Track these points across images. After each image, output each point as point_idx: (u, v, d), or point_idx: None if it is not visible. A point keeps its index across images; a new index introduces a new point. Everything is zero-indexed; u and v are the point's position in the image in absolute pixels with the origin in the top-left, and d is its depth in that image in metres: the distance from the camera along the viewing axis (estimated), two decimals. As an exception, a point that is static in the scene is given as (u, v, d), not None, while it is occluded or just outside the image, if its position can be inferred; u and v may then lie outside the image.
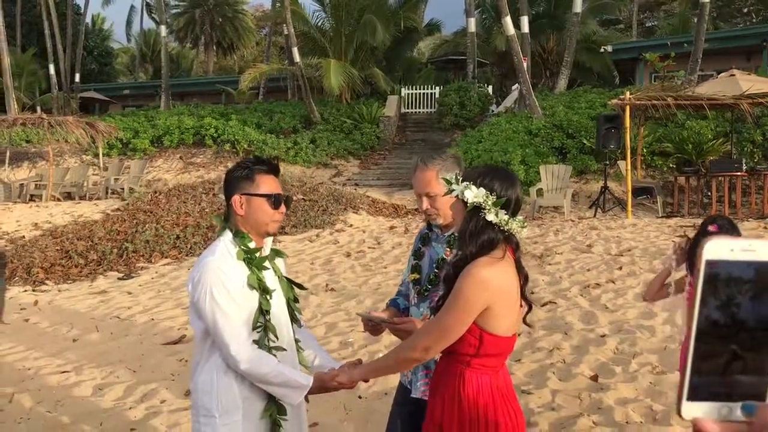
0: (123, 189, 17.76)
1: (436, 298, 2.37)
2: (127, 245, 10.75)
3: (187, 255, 10.47)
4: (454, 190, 2.13)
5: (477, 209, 2.08)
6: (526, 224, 2.15)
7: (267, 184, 2.40)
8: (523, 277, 2.15)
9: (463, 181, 2.12)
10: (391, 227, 11.98)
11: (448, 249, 2.64)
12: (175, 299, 7.89)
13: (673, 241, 3.73)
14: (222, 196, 2.71)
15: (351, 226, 12.03)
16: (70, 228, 12.09)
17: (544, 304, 6.87)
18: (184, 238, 11.09)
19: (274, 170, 2.46)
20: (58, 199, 17.58)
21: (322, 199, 13.31)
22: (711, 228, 3.33)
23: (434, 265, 2.67)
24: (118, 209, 13.76)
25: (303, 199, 13.23)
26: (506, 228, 2.08)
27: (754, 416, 0.60)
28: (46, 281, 9.46)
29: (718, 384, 0.61)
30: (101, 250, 10.62)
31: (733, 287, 0.59)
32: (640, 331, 5.88)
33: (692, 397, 0.61)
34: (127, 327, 6.83)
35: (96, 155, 20.88)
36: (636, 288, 7.33)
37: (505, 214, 2.08)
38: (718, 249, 0.58)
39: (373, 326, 2.69)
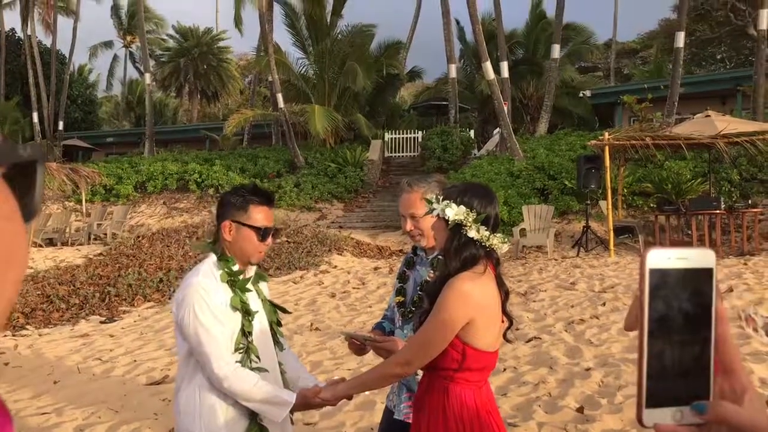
0: (106, 234, 17.66)
1: (420, 314, 2.40)
2: (110, 289, 10.66)
3: (170, 298, 10.39)
4: (435, 209, 2.18)
5: (458, 226, 2.13)
6: (506, 240, 2.20)
7: (259, 215, 2.43)
8: (504, 293, 2.19)
9: (443, 199, 2.17)
10: (376, 268, 11.99)
11: (432, 271, 2.69)
12: (158, 341, 7.82)
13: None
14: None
15: (335, 267, 12.02)
16: (52, 273, 11.97)
17: (529, 340, 6.89)
18: (168, 282, 11.03)
19: (269, 202, 2.50)
20: (40, 246, 17.43)
21: (306, 241, 13.32)
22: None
23: (418, 288, 2.72)
24: (100, 254, 13.68)
25: (287, 241, 13.23)
26: (487, 244, 2.13)
27: (706, 414, 0.63)
28: (27, 326, 9.32)
29: (670, 388, 0.64)
30: (83, 295, 10.51)
31: (672, 293, 0.64)
32: (625, 364, 5.90)
33: (651, 404, 0.64)
34: (109, 368, 6.75)
35: (79, 201, 20.82)
36: (619, 323, 7.36)
37: (486, 230, 2.13)
38: (658, 258, 0.64)
39: (358, 346, 2.71)
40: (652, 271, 0.64)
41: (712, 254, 0.66)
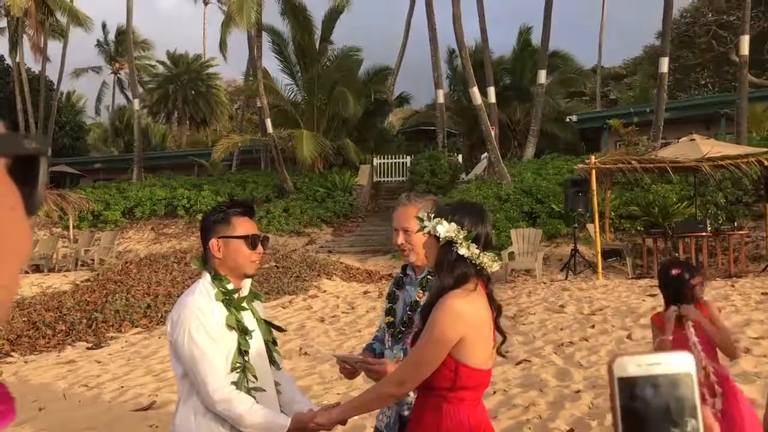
0: (93, 260, 17.55)
1: (411, 336, 2.41)
2: (97, 315, 10.56)
3: (158, 324, 10.31)
4: (426, 226, 2.20)
5: (449, 244, 2.14)
6: (497, 259, 2.21)
7: (243, 226, 2.43)
8: (496, 309, 2.20)
9: (435, 217, 2.19)
10: (365, 292, 11.97)
11: (421, 291, 2.69)
12: (145, 367, 7.74)
13: (651, 320, 3.83)
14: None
15: (325, 291, 11.99)
16: (38, 299, 11.84)
17: (519, 363, 6.87)
18: (155, 307, 10.95)
19: (250, 212, 2.50)
20: (26, 272, 17.28)
21: (295, 265, 13.28)
22: (673, 272, 3.50)
23: (407, 308, 2.71)
24: (87, 280, 13.57)
25: (276, 266, 13.18)
26: (477, 262, 2.14)
27: None
28: (12, 353, 9.21)
29: None
30: (70, 321, 10.41)
31: (649, 404, 0.59)
32: (615, 386, 5.89)
33: None
34: (95, 395, 6.67)
35: (66, 227, 20.70)
36: (608, 345, 7.38)
37: (476, 248, 2.14)
38: (627, 366, 0.59)
39: (349, 370, 2.70)
40: (622, 381, 0.58)
41: (690, 357, 0.60)
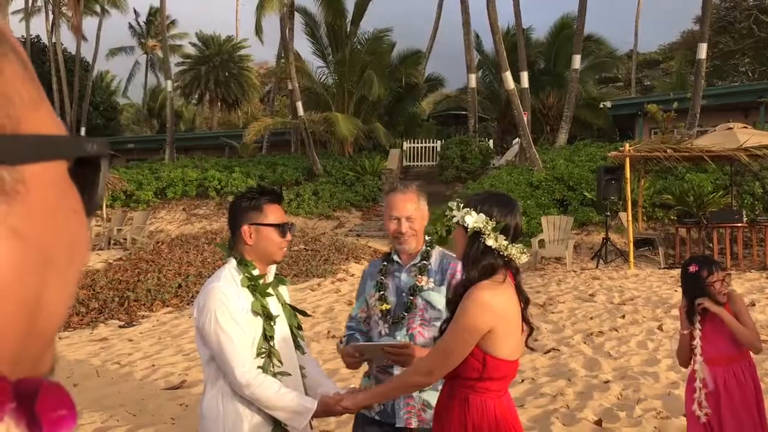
0: (125, 239, 17.80)
1: (441, 323, 2.39)
2: (129, 294, 10.74)
3: (188, 303, 10.45)
4: (455, 216, 2.18)
5: (477, 234, 2.12)
6: (525, 251, 2.19)
7: (275, 213, 2.46)
8: (524, 301, 2.18)
9: (464, 207, 2.17)
10: (393, 277, 11.98)
11: (421, 276, 2.72)
12: (176, 346, 7.86)
13: (679, 309, 3.80)
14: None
15: (353, 275, 12.02)
16: (72, 277, 12.06)
17: (548, 351, 6.84)
18: (186, 287, 11.10)
19: (279, 199, 2.52)
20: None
21: (323, 248, 13.34)
22: (691, 269, 3.45)
23: (408, 293, 2.72)
24: (120, 259, 13.78)
25: (305, 249, 13.25)
26: (506, 253, 2.12)
27: None
28: (47, 329, 9.40)
29: None
30: (103, 299, 10.60)
31: None
32: (644, 378, 5.84)
33: None
34: (127, 372, 6.79)
35: (99, 206, 21.00)
36: (639, 336, 7.30)
37: (505, 239, 2.12)
38: None
39: (353, 360, 2.71)
40: None
41: None
